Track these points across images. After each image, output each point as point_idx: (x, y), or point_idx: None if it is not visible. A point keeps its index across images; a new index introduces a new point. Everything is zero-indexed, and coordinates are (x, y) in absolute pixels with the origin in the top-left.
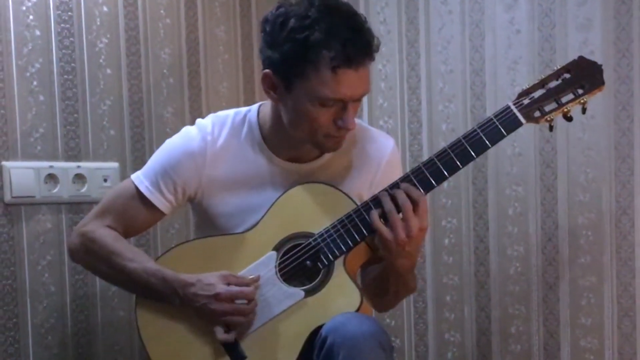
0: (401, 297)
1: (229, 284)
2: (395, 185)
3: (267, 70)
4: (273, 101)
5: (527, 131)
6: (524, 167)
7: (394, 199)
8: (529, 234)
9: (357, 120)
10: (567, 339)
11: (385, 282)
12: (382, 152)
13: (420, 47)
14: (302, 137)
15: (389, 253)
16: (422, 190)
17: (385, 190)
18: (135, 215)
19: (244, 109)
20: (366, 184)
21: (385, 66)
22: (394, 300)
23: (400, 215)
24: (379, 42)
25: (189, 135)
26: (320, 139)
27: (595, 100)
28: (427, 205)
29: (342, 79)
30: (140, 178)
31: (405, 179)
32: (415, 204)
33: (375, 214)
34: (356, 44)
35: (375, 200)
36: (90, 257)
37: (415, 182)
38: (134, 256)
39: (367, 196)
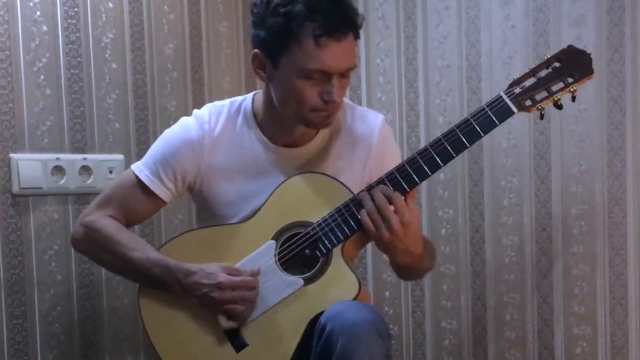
0: (423, 274)
1: (230, 275)
2: (375, 185)
3: (255, 50)
4: (262, 80)
5: (522, 123)
6: (518, 159)
7: (373, 199)
8: (524, 224)
9: (346, 100)
10: (561, 326)
11: (402, 269)
12: (372, 131)
13: (417, 42)
14: (291, 116)
15: (384, 251)
16: (406, 187)
17: (365, 190)
18: (137, 204)
19: (239, 98)
20: (360, 165)
21: (383, 60)
22: (417, 276)
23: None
24: (362, 18)
25: (187, 125)
26: (308, 115)
27: (588, 94)
28: (413, 200)
29: (325, 50)
30: (140, 167)
31: (399, 169)
32: (390, 201)
33: (364, 213)
34: (338, 15)
35: (358, 202)
36: (94, 246)
37: (409, 170)
38: (137, 245)
39: (362, 177)
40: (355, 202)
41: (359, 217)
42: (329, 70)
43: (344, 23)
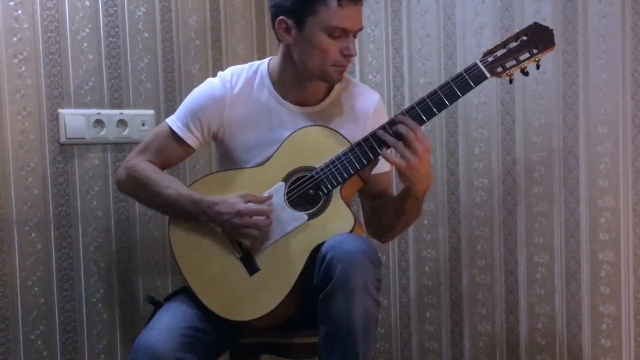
0: (412, 221)
1: (248, 202)
2: (391, 123)
3: (281, 17)
4: (287, 43)
5: (491, 84)
6: (487, 114)
7: (396, 133)
8: (492, 169)
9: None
10: (523, 255)
11: (401, 211)
12: (369, 104)
13: (402, 15)
14: (313, 71)
15: (407, 181)
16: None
17: (382, 128)
18: (170, 150)
19: (256, 62)
20: (358, 130)
21: (373, 30)
22: (404, 226)
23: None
24: None
25: (212, 84)
26: (329, 68)
27: (547, 58)
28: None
29: (346, 11)
30: (173, 120)
31: (389, 123)
32: (414, 131)
33: (385, 150)
34: None
35: (379, 139)
36: (135, 186)
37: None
38: (170, 183)
39: (359, 137)
40: (353, 151)
41: (383, 156)
42: (349, 28)
43: None
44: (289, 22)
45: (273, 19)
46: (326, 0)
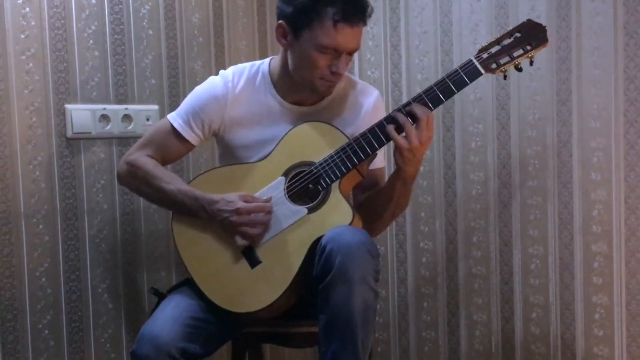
0: (399, 213)
1: (247, 202)
2: (408, 104)
3: (280, 21)
4: (283, 47)
5: (486, 80)
6: (483, 109)
7: (410, 113)
8: (488, 163)
9: (347, 74)
10: (518, 247)
11: (390, 198)
12: (368, 101)
13: (400, 13)
14: (302, 80)
15: (402, 160)
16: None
17: (399, 109)
18: (170, 146)
19: (257, 62)
20: (357, 125)
21: (372, 28)
22: (391, 218)
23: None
24: (372, 10)
25: (213, 83)
26: (316, 82)
27: (541, 56)
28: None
29: (340, 31)
30: (174, 117)
31: (387, 119)
32: (428, 116)
33: (391, 127)
34: (355, 6)
35: (391, 118)
36: (135, 180)
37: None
38: (170, 179)
39: (357, 133)
40: (351, 146)
41: (387, 131)
42: (340, 49)
43: (357, 14)
44: (287, 28)
45: (278, 19)
46: (323, 18)
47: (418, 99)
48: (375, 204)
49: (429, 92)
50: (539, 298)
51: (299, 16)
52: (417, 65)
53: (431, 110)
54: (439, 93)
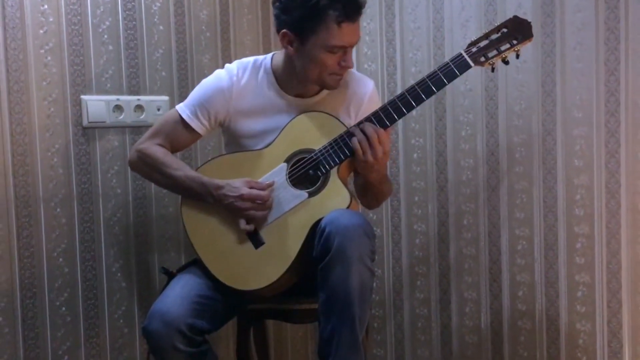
0: (381, 200)
1: (251, 187)
2: (364, 121)
3: (284, 30)
4: (290, 54)
5: (476, 72)
6: (473, 100)
7: (363, 132)
8: (477, 150)
9: None
10: (506, 229)
11: (367, 190)
12: (364, 91)
13: (395, 9)
14: (312, 79)
15: (362, 170)
16: (388, 123)
17: (356, 125)
18: (179, 135)
19: (261, 57)
20: (353, 114)
21: (369, 24)
22: (376, 203)
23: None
24: (365, 1)
25: (219, 76)
26: (327, 78)
27: (527, 49)
28: (389, 136)
29: (345, 30)
30: (182, 108)
31: (382, 109)
32: (377, 133)
33: (355, 141)
34: (353, 3)
35: (351, 134)
36: (146, 167)
37: (390, 110)
38: (179, 166)
39: (352, 123)
40: (349, 134)
41: (351, 144)
42: (347, 45)
43: (357, 9)
44: (291, 35)
45: (277, 29)
46: (326, 21)
47: (411, 90)
48: (361, 195)
49: (421, 83)
50: (525, 277)
51: (303, 23)
52: (411, 59)
53: (413, 106)
54: (430, 84)
